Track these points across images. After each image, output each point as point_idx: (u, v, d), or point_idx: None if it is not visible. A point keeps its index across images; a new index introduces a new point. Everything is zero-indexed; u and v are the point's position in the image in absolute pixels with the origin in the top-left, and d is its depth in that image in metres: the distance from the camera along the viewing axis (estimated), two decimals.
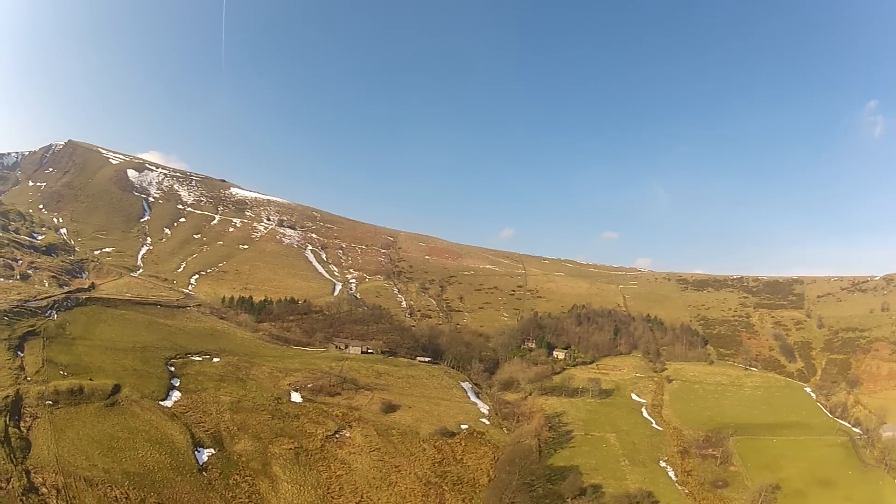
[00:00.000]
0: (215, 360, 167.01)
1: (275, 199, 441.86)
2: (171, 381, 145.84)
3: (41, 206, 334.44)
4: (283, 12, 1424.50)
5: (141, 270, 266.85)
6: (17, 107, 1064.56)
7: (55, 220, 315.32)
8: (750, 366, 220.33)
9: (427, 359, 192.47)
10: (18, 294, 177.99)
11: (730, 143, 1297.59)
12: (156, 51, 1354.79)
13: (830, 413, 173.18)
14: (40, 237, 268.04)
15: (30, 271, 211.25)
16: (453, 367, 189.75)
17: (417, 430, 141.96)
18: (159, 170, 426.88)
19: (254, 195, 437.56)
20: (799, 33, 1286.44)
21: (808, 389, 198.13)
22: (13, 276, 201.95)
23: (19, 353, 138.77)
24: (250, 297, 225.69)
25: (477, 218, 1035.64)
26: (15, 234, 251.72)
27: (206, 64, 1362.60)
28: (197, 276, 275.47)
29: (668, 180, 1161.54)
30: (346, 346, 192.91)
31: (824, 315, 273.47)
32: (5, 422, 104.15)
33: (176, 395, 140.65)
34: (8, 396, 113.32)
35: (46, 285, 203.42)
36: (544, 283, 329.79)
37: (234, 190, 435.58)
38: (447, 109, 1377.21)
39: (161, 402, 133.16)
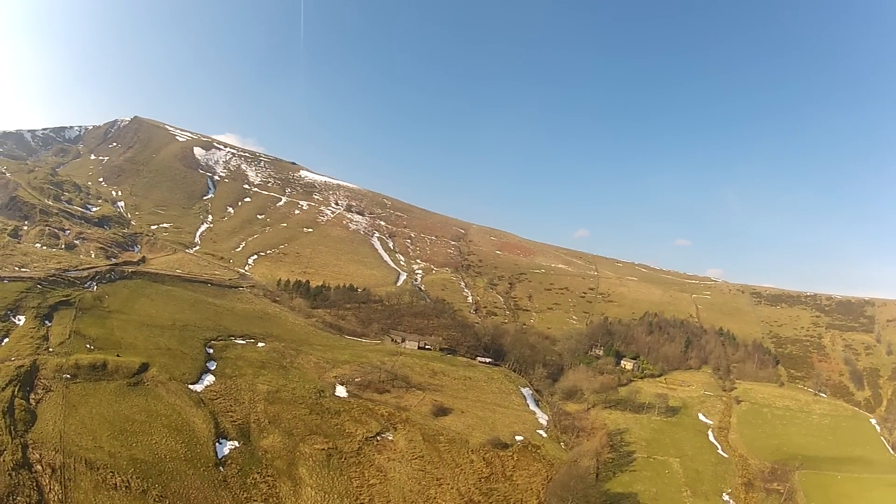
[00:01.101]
0: (260, 344, 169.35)
1: (345, 183, 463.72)
2: (207, 364, 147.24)
3: (101, 180, 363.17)
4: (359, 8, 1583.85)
5: (197, 248, 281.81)
6: (89, 84, 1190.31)
7: (114, 193, 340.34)
8: (819, 391, 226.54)
9: (488, 360, 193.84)
10: (58, 263, 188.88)
11: (807, 151, 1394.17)
12: (235, 35, 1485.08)
13: (892, 449, 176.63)
14: (94, 209, 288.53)
15: (77, 241, 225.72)
16: (515, 371, 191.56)
17: (468, 438, 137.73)
18: (227, 149, 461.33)
19: (324, 179, 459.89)
20: (880, 44, 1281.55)
21: (873, 421, 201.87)
22: (58, 245, 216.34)
23: (47, 322, 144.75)
24: (307, 282, 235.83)
25: (551, 216, 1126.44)
26: (67, 205, 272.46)
27: (287, 51, 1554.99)
28: (255, 256, 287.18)
29: (742, 188, 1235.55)
30: (403, 340, 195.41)
31: (893, 341, 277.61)
32: (13, 392, 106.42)
33: (209, 379, 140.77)
34: (23, 366, 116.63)
35: (93, 256, 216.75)
36: (616, 287, 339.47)
37: (303, 173, 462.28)
38: (527, 108, 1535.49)
39: (190, 386, 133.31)
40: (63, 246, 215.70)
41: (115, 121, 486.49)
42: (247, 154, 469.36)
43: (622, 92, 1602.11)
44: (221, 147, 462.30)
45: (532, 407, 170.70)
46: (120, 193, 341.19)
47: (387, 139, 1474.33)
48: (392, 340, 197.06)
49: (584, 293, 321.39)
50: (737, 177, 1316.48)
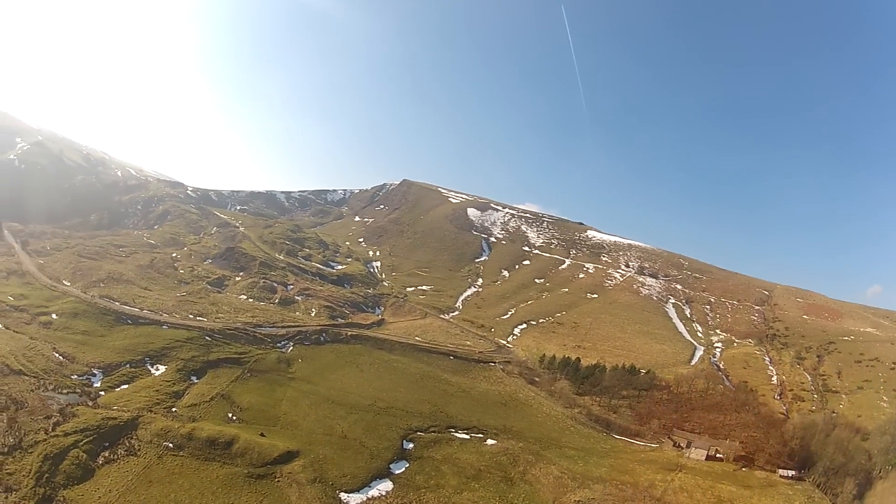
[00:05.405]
0: (489, 442, 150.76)
1: (637, 243, 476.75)
2: (390, 466, 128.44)
3: (361, 240, 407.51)
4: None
5: (456, 313, 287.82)
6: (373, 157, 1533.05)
7: (370, 253, 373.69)
8: None
9: (790, 473, 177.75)
10: (252, 317, 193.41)
11: None
12: (533, 111, 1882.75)
13: None
14: (338, 267, 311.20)
15: (298, 297, 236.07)
16: (821, 486, 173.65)
17: None
18: (506, 210, 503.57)
19: (613, 239, 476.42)
20: None
21: None
22: (271, 298, 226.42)
23: (193, 378, 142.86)
24: (577, 360, 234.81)
25: (839, 271, 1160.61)
26: (304, 261, 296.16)
27: (576, 119, 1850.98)
28: (524, 325, 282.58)
29: None
30: (689, 445, 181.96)
31: None
32: (76, 441, 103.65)
33: (382, 487, 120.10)
34: (115, 419, 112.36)
35: (313, 314, 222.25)
36: None
37: (590, 233, 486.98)
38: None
39: (345, 495, 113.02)
40: (277, 301, 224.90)
41: (384, 184, 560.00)
42: (528, 215, 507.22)
43: None
44: (499, 208, 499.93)
45: None
46: (378, 253, 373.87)
47: (678, 198, 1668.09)
48: (674, 445, 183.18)
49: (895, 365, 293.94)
50: None
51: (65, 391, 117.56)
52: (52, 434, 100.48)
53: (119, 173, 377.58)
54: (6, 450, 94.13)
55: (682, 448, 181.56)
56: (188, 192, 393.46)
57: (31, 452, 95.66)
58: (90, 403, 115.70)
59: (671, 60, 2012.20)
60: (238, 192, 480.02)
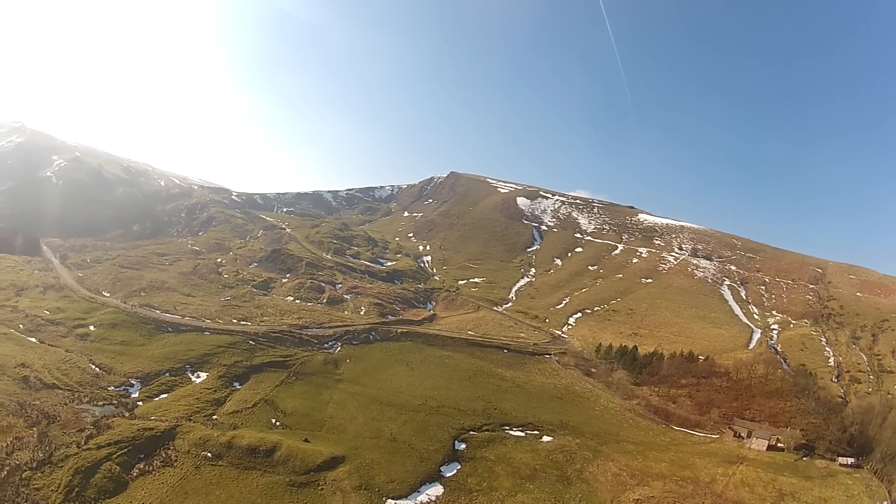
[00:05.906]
0: (545, 439, 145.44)
1: (689, 224, 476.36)
2: (441, 469, 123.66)
3: (410, 235, 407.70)
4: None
5: (510, 304, 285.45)
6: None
7: (420, 248, 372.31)
8: None
9: (850, 460, 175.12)
10: (298, 318, 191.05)
11: None
12: (575, 97, 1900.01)
13: None
14: (388, 263, 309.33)
15: (347, 296, 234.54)
16: (878, 473, 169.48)
17: None
18: (556, 197, 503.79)
19: (664, 221, 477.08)
20: None
21: None
22: (319, 298, 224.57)
23: (236, 384, 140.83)
24: (634, 348, 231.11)
25: (886, 244, 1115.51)
26: (352, 259, 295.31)
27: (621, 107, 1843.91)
28: (579, 314, 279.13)
29: None
30: (749, 434, 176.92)
31: None
32: (109, 453, 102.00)
33: (433, 491, 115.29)
34: (152, 430, 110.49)
35: (362, 312, 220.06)
36: None
37: (642, 216, 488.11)
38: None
39: (392, 501, 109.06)
40: (325, 301, 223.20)
41: (432, 178, 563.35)
42: (578, 201, 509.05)
43: None
44: (549, 196, 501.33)
45: None
46: (428, 248, 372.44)
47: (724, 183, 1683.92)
48: (735, 435, 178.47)
49: None
50: None
51: (100, 403, 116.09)
52: (85, 447, 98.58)
53: (162, 183, 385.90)
54: (35, 465, 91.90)
55: (743, 438, 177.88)
56: (233, 197, 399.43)
57: (61, 467, 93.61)
58: (127, 414, 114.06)
59: (712, 49, 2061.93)
60: (284, 194, 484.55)
